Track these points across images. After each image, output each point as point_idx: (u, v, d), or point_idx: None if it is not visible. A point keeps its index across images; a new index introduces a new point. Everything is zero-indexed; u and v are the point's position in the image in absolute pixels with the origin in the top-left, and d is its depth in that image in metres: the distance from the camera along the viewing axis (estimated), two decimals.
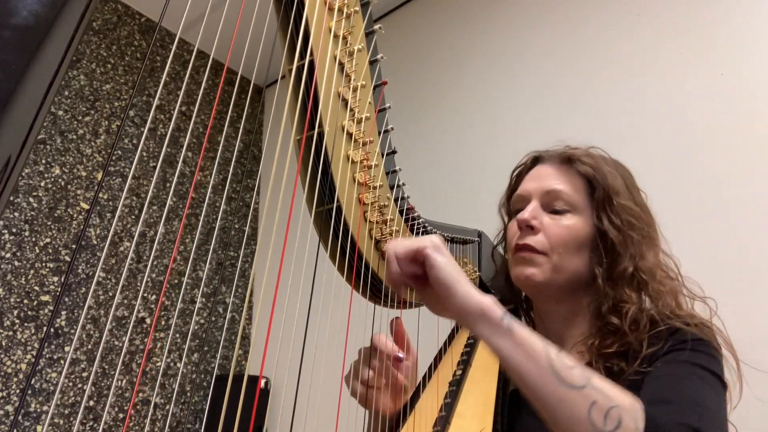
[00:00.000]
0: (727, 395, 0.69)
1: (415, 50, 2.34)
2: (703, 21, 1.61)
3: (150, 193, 2.39)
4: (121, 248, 2.24)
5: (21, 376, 1.86)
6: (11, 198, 1.98)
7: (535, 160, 0.92)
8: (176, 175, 2.46)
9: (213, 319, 2.49)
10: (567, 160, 0.88)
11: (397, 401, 0.81)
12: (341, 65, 0.72)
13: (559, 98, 1.85)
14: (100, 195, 2.22)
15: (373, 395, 0.76)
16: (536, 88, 1.93)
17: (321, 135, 0.69)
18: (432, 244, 0.64)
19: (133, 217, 2.30)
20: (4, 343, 1.85)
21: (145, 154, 2.42)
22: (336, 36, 0.70)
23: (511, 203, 0.91)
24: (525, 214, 0.83)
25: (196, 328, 2.40)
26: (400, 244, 0.65)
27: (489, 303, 0.60)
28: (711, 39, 1.58)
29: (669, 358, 0.69)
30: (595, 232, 0.82)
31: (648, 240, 0.83)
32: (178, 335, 2.32)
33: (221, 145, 2.68)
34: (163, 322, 2.28)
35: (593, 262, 0.81)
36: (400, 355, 0.78)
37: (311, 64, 0.68)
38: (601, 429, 0.52)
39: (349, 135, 0.73)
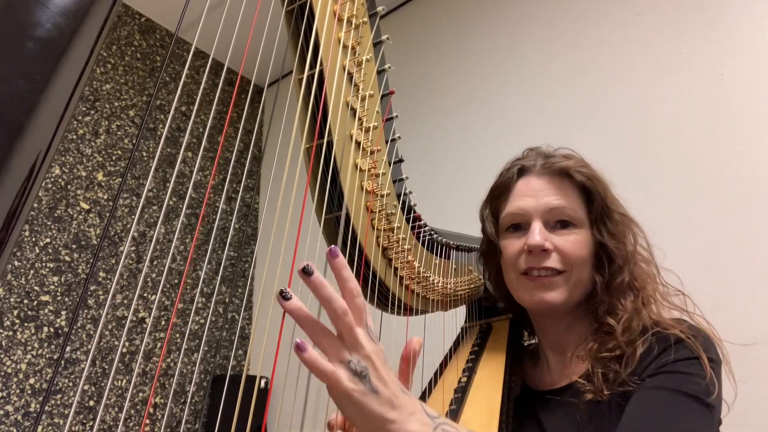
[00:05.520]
0: (718, 411, 0.69)
1: (417, 54, 2.35)
2: (703, 21, 1.62)
3: (150, 193, 2.39)
4: (121, 248, 2.24)
5: (21, 376, 1.86)
6: None
7: (520, 172, 0.87)
8: (176, 175, 2.47)
9: (213, 319, 2.50)
10: (561, 171, 0.84)
11: None
12: (350, 75, 0.72)
13: (560, 99, 1.86)
14: (100, 195, 2.22)
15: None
16: (538, 89, 1.93)
17: (330, 144, 0.70)
18: (345, 378, 0.50)
19: (133, 217, 2.30)
20: (4, 343, 1.85)
21: (145, 154, 2.41)
22: (345, 46, 0.71)
23: (503, 218, 0.87)
24: (536, 238, 0.79)
25: (196, 328, 2.41)
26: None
27: None
28: (711, 39, 1.59)
29: (656, 382, 0.69)
30: (596, 243, 0.82)
31: (637, 246, 0.84)
32: (178, 335, 2.32)
33: (221, 145, 2.68)
34: (163, 322, 2.29)
35: (594, 272, 0.82)
36: None
37: (321, 74, 0.68)
38: None
39: (357, 144, 0.74)
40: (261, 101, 2.89)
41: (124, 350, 2.14)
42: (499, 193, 0.89)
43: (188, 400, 2.31)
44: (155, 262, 2.32)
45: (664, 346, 0.72)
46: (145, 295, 2.25)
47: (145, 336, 2.22)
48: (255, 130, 2.85)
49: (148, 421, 2.12)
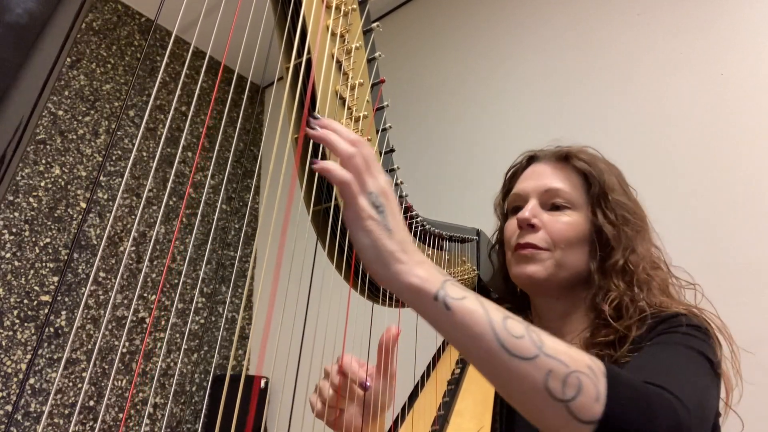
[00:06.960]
0: (721, 384, 0.68)
1: (413, 49, 2.34)
2: (703, 21, 1.61)
3: (150, 193, 2.39)
4: (121, 248, 2.24)
5: (21, 376, 1.86)
6: (11, 198, 1.98)
7: (530, 159, 0.92)
8: (175, 175, 2.46)
9: (213, 319, 2.49)
10: (563, 157, 0.89)
11: (371, 422, 0.75)
12: (339, 63, 0.71)
13: (559, 97, 1.85)
14: (100, 195, 2.22)
15: (342, 415, 0.72)
16: (536, 87, 1.93)
17: None
18: (366, 190, 0.52)
19: (133, 217, 2.30)
20: (4, 343, 1.85)
21: (144, 154, 2.42)
22: (333, 34, 0.70)
23: (507, 202, 0.91)
24: (525, 213, 0.82)
25: (196, 328, 2.40)
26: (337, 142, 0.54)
27: (421, 280, 0.50)
28: (711, 39, 1.58)
29: (660, 339, 0.68)
30: (592, 228, 0.83)
31: (640, 234, 0.84)
32: (178, 335, 2.32)
33: (221, 145, 2.67)
34: (163, 322, 2.28)
35: (590, 257, 0.82)
36: (367, 383, 0.72)
37: (308, 62, 0.67)
38: (561, 398, 0.47)
39: None
40: (260, 101, 2.89)
41: (124, 350, 2.13)
42: (509, 180, 0.94)
43: (188, 400, 2.30)
44: (155, 262, 2.32)
45: (663, 318, 0.71)
46: (145, 295, 2.25)
47: (145, 336, 2.21)
48: (254, 130, 2.84)
49: (148, 421, 2.12)
